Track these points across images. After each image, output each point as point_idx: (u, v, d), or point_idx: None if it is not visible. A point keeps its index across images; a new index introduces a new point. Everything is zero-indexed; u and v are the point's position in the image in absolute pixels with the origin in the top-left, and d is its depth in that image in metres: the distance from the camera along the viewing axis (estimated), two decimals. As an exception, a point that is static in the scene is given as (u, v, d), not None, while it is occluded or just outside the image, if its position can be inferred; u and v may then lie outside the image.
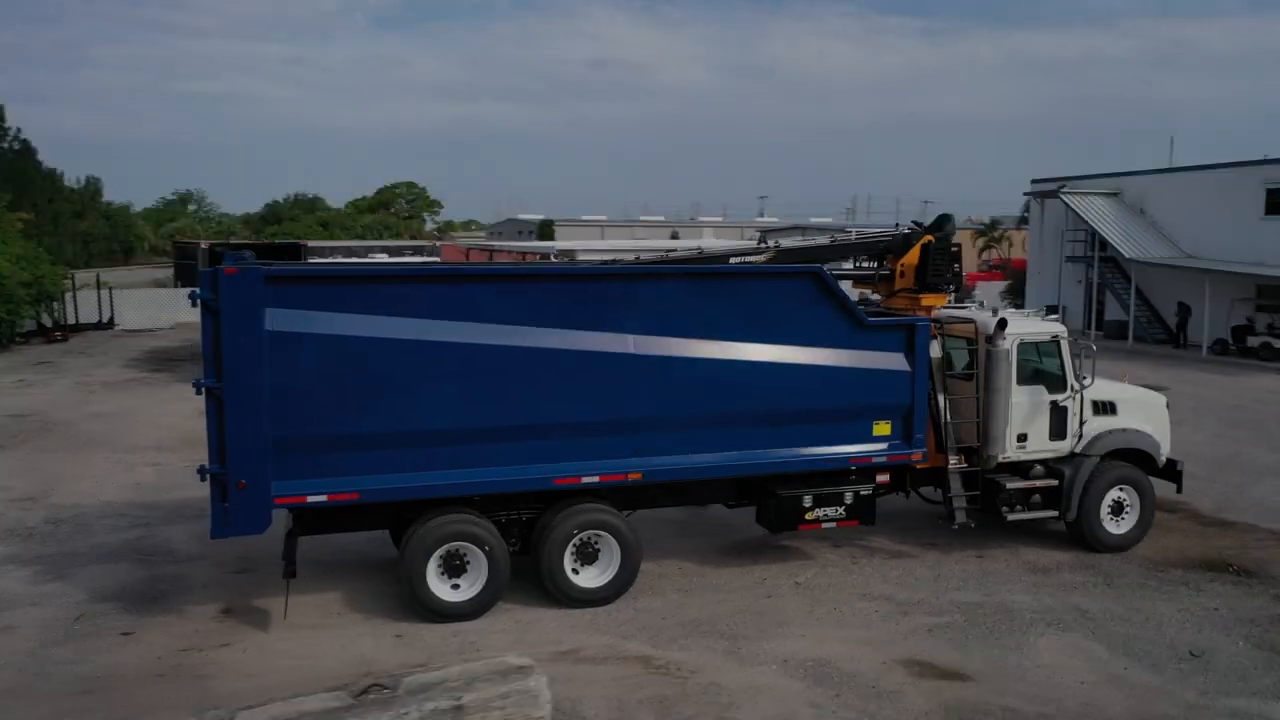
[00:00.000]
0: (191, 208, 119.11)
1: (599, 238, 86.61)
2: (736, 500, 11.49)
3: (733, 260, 11.73)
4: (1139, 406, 12.40)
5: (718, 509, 12.44)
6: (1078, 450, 11.89)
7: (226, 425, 8.95)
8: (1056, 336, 11.84)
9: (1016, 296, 40.75)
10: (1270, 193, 31.27)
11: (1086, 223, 35.69)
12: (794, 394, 10.55)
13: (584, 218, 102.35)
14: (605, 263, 12.01)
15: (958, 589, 10.80)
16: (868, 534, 12.21)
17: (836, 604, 10.37)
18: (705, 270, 11.25)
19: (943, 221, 12.47)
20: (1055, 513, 11.77)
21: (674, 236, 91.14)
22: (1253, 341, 30.41)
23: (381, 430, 9.38)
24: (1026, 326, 11.76)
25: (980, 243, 50.30)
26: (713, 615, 10.07)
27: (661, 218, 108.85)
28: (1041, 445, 11.76)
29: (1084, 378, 11.87)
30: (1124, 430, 12.07)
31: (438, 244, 64.32)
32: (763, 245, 12.15)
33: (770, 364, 10.43)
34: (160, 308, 41.06)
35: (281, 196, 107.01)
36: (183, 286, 43.33)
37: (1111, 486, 11.85)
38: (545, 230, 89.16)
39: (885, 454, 11.05)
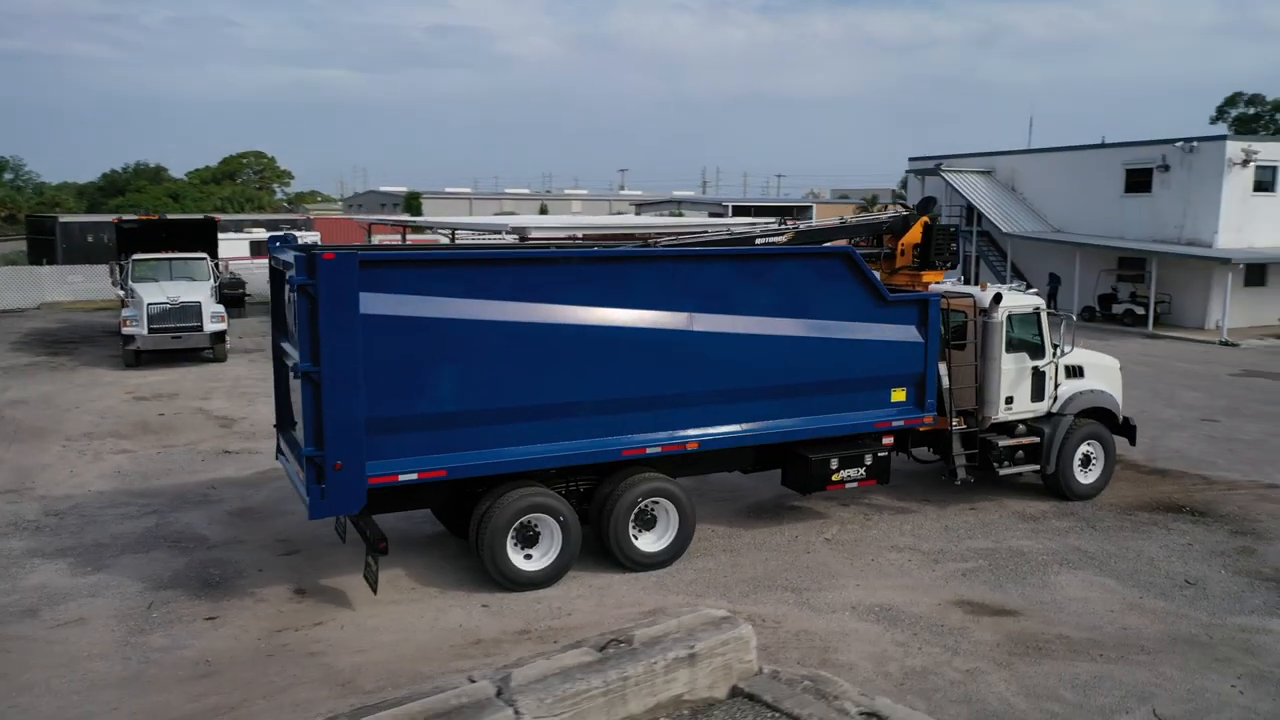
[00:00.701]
0: (8, 175, 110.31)
1: (466, 212, 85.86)
2: (756, 466, 12.30)
3: (758, 241, 12.48)
4: (1101, 370, 13.91)
5: (719, 476, 13.20)
6: (1054, 410, 13.28)
7: (324, 408, 9.09)
8: (1037, 309, 13.16)
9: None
10: (1130, 172, 34.34)
11: (964, 198, 38.22)
12: (829, 365, 11.43)
13: (449, 190, 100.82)
14: (644, 244, 12.50)
15: (969, 538, 11.99)
16: (869, 494, 13.28)
17: (871, 556, 11.37)
18: (756, 252, 11.98)
19: (929, 204, 13.59)
20: (1036, 466, 13.14)
21: (543, 211, 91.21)
22: (1117, 309, 33.50)
23: (468, 408, 9.70)
24: (1014, 300, 13.02)
25: (856, 213, 52.94)
26: (768, 572, 10.89)
27: (527, 190, 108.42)
28: (1025, 407, 13.08)
29: (1060, 345, 13.25)
30: (1092, 391, 13.55)
31: (310, 217, 62.40)
32: (784, 225, 12.93)
33: (809, 338, 11.26)
34: (23, 287, 38.58)
35: (119, 166, 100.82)
36: (47, 264, 40.76)
37: (1082, 442, 13.31)
38: (412, 203, 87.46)
39: (902, 418, 12.09)
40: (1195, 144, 32.42)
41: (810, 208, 63.64)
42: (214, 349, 24.98)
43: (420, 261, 9.93)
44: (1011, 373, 12.86)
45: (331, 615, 9.72)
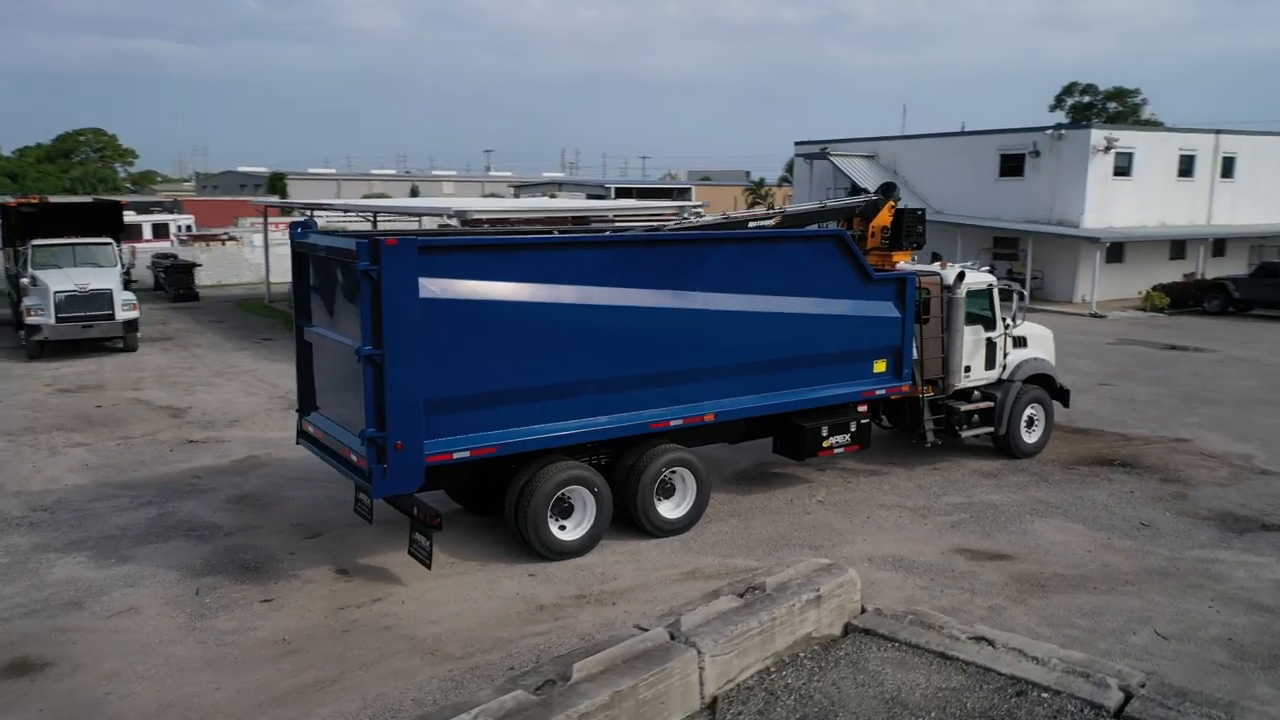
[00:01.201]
0: None
1: (334, 194, 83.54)
2: (744, 437, 13.12)
3: (750, 225, 13.26)
4: (1040, 340, 15.38)
5: (702, 449, 13.95)
6: (1004, 378, 14.64)
7: (387, 390, 9.36)
8: (991, 285, 14.46)
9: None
10: (1004, 158, 36.89)
11: (850, 182, 40.09)
12: (825, 339, 12.35)
13: (314, 171, 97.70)
14: (654, 229, 13.09)
15: (944, 494, 13.18)
16: (847, 459, 14.32)
17: (866, 515, 12.39)
18: (767, 235, 12.84)
19: (890, 188, 14.69)
20: (992, 429, 14.47)
21: (414, 193, 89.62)
22: (995, 284, 35.99)
23: (516, 387, 10.14)
24: (973, 278, 14.26)
25: (749, 199, 54.49)
26: (780, 531, 11.75)
27: (393, 171, 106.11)
28: (980, 375, 14.38)
29: (1008, 318, 14.60)
30: (1035, 359, 14.99)
31: (177, 201, 59.64)
32: (772, 211, 13.74)
33: (809, 315, 12.15)
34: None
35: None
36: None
37: (1028, 405, 14.72)
38: (276, 184, 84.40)
39: (883, 387, 13.15)
40: (1063, 132, 35.15)
41: (690, 190, 64.94)
42: (126, 338, 24.09)
43: (473, 246, 10.29)
44: (970, 344, 14.11)
45: (387, 592, 10.01)
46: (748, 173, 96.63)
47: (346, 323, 9.96)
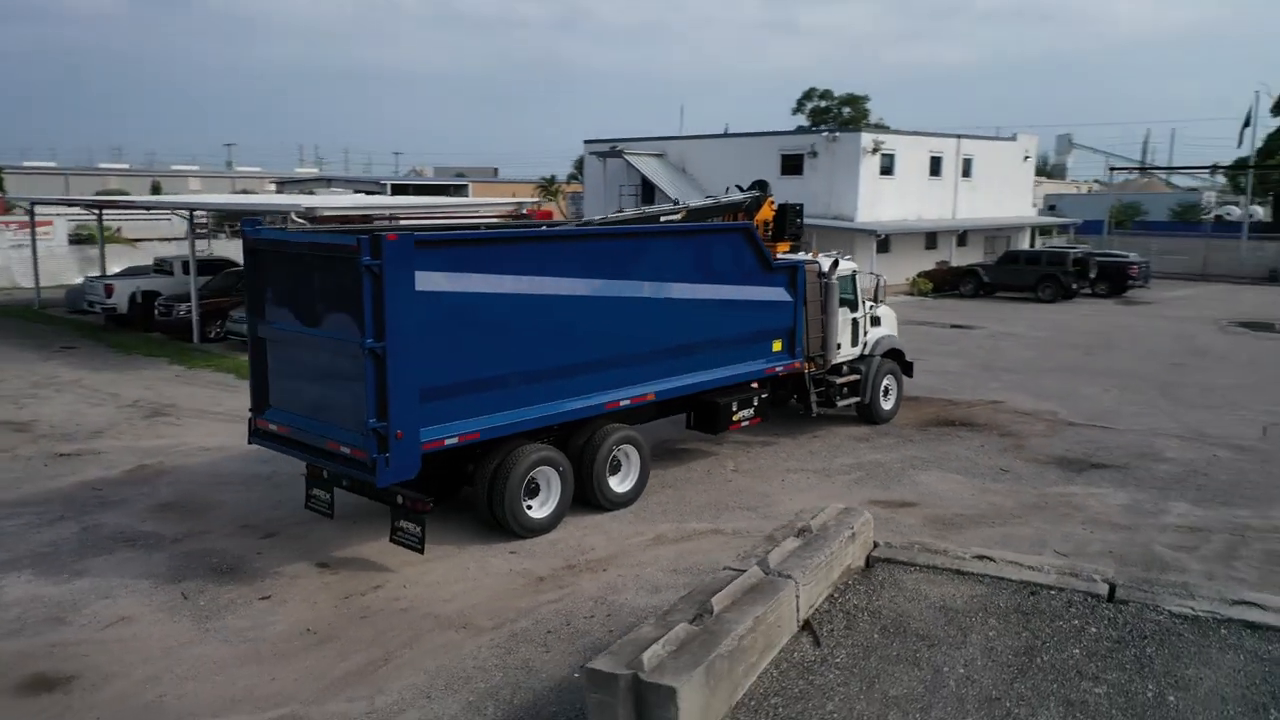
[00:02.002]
0: None
1: (62, 190, 76.18)
2: (656, 415, 14.19)
3: (662, 219, 14.28)
4: (889, 318, 17.46)
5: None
6: (865, 353, 16.57)
7: (389, 380, 9.65)
8: (855, 271, 16.32)
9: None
10: (785, 157, 39.96)
11: (641, 179, 41.96)
12: (740, 322, 13.64)
13: (29, 165, 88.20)
14: (608, 221, 13.79)
15: (835, 457, 14.85)
16: (733, 434, 15.68)
17: (780, 478, 13.80)
18: (693, 228, 13.92)
19: (764, 185, 16.23)
20: (858, 398, 16.35)
21: (155, 190, 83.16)
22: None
23: (499, 374, 10.68)
24: (844, 265, 16.03)
25: (539, 195, 55.23)
26: (716, 498, 12.90)
27: (127, 166, 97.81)
28: (848, 352, 16.21)
29: (869, 300, 16.53)
30: (889, 336, 17.05)
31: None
32: (678, 206, 14.81)
33: (729, 300, 13.39)
34: None
35: None
36: None
37: (885, 376, 16.74)
38: (-9, 180, 75.50)
39: (781, 364, 14.63)
40: (837, 135, 38.66)
41: (467, 186, 64.85)
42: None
43: (463, 241, 10.70)
44: (840, 324, 15.90)
45: (382, 579, 10.26)
46: (495, 170, 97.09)
47: (335, 318, 10.09)
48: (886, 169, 39.25)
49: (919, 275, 37.70)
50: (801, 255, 15.96)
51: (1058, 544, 11.29)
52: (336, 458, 10.31)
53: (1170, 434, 16.25)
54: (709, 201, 15.52)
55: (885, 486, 13.43)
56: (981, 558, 8.29)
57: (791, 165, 39.75)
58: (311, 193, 59.15)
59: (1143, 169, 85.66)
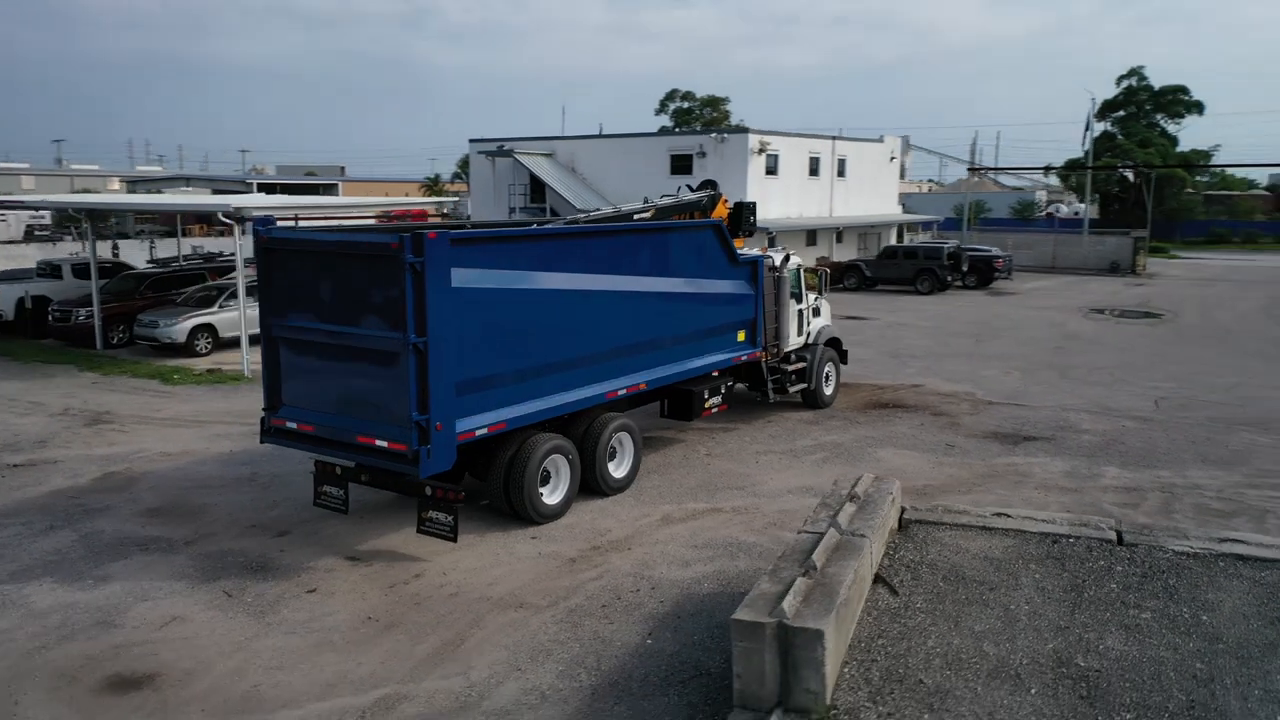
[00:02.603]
0: None
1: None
2: (630, 405, 14.84)
3: (635, 218, 14.87)
4: (826, 310, 18.61)
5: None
6: (810, 342, 17.65)
7: (430, 374, 9.96)
8: (800, 266, 17.36)
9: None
10: (674, 157, 41.08)
11: (530, 178, 42.29)
12: (713, 313, 14.45)
13: None
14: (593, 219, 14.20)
15: (795, 439, 15.83)
16: (699, 421, 16.47)
17: (754, 460, 14.66)
18: (683, 225, 14.68)
19: (714, 184, 17.10)
20: (806, 385, 17.41)
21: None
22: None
23: (524, 366, 11.13)
24: (794, 260, 17.04)
25: (423, 193, 54.61)
26: (704, 480, 13.63)
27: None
28: (795, 341, 17.25)
29: (811, 293, 17.62)
30: (828, 325, 18.20)
31: None
32: (648, 205, 15.41)
33: (706, 293, 14.17)
34: None
35: None
36: None
37: (826, 364, 17.88)
38: None
39: (744, 353, 15.51)
40: (725, 136, 40.03)
41: (337, 185, 63.40)
42: None
43: (493, 239, 11.08)
44: (789, 315, 16.92)
45: (419, 568, 10.53)
46: (343, 168, 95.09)
47: (371, 315, 10.28)
48: (771, 169, 40.92)
49: (808, 271, 39.47)
50: (758, 251, 16.90)
51: (1020, 504, 12.56)
52: (372, 451, 10.51)
53: (1079, 409, 18.02)
54: (669, 200, 16.25)
55: (851, 463, 14.46)
56: (1000, 514, 9.34)
57: (681, 165, 40.90)
58: (160, 191, 56.75)
59: (998, 170, 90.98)
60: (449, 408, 10.22)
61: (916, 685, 6.51)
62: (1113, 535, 8.82)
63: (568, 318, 11.68)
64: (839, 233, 45.80)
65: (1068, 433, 16.26)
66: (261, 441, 11.57)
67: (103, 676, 8.19)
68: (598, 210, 15.55)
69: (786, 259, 16.65)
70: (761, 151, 39.80)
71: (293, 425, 11.14)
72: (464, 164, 50.21)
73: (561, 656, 8.52)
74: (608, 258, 12.38)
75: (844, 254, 46.14)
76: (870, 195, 48.48)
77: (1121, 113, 77.55)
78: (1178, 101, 75.64)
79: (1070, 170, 76.26)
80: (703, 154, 40.21)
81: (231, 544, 11.18)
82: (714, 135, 40.06)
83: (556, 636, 8.89)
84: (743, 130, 40.08)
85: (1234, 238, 76.21)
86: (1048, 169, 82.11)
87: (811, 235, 43.98)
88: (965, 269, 38.62)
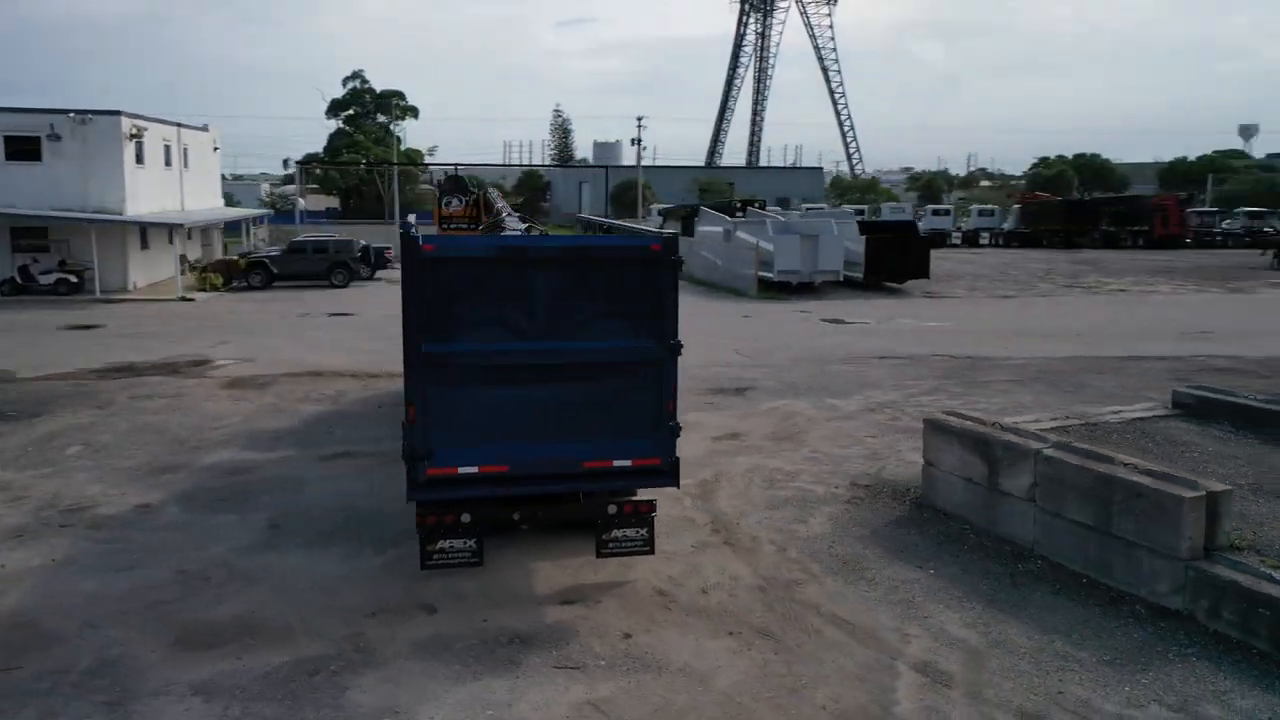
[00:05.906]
0: None
1: None
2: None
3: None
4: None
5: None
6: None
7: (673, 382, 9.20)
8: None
9: None
10: (13, 139, 33.02)
11: None
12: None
13: None
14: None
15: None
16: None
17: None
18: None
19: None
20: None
21: None
22: (45, 280, 32.76)
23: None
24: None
25: None
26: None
27: None
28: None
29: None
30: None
31: None
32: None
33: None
34: None
35: None
36: None
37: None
38: None
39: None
40: (90, 116, 33.52)
41: None
42: None
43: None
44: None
45: (673, 588, 9.47)
46: None
47: (609, 323, 8.94)
48: (139, 157, 35.73)
49: (206, 268, 35.79)
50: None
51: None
52: (604, 476, 9.15)
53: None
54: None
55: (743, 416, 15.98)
56: (1035, 421, 12.54)
57: (25, 150, 33.19)
58: None
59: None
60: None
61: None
62: (1054, 439, 12.74)
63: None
64: (189, 231, 41.73)
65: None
66: (412, 498, 8.85)
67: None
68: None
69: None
70: (133, 138, 34.46)
71: (470, 469, 8.84)
72: None
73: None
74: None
75: (194, 253, 42.36)
76: (204, 188, 44.98)
77: (351, 111, 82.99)
78: (398, 105, 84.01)
79: (309, 164, 78.95)
80: (57, 137, 33.13)
81: (452, 627, 8.45)
82: (71, 115, 33.15)
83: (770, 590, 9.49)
84: (114, 113, 34.12)
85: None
86: (286, 161, 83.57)
87: (168, 231, 39.41)
88: (374, 261, 39.41)
